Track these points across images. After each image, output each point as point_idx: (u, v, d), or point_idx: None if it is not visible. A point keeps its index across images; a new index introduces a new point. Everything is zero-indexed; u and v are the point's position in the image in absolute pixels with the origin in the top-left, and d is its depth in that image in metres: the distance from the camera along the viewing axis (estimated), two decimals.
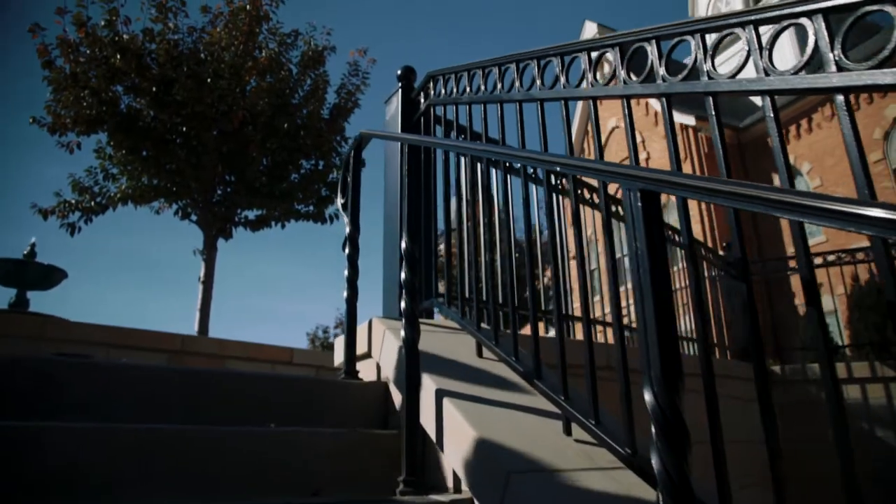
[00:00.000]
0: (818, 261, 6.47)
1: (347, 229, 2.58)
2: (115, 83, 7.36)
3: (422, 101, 3.04)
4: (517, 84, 2.23)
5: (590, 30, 27.56)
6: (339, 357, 2.79)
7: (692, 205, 19.70)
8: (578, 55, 2.09)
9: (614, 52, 1.98)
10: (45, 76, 7.16)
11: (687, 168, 22.23)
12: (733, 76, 1.52)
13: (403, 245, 1.91)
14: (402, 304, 1.91)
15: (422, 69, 3.24)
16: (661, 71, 1.72)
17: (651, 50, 1.74)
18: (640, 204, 1.13)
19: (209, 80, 7.29)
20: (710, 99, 1.56)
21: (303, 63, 8.42)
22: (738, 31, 1.52)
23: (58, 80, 7.14)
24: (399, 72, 3.23)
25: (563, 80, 2.08)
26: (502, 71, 2.34)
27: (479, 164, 2.29)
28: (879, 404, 5.60)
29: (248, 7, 7.71)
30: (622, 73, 1.88)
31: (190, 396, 1.86)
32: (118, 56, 6.92)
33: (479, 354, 2.19)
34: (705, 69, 1.61)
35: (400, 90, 3.12)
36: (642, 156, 24.57)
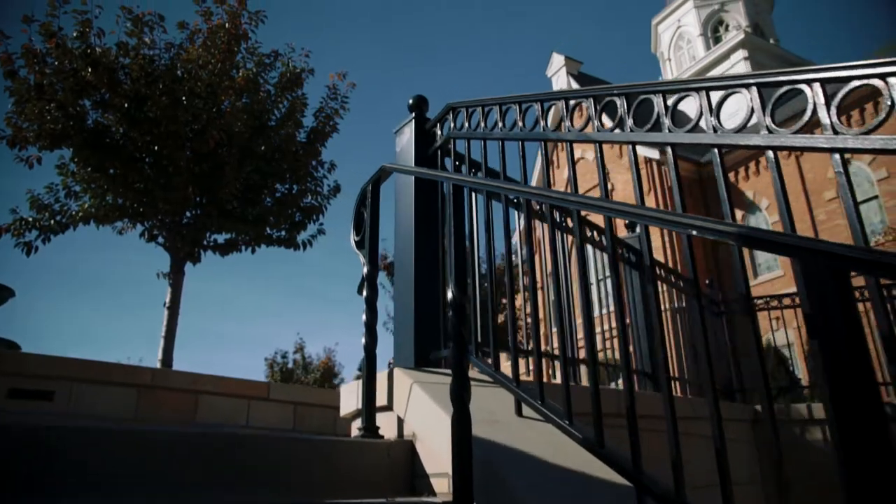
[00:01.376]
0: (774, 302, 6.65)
1: (365, 269, 2.38)
2: (84, 97, 7.01)
3: (438, 132, 2.88)
4: (566, 123, 2.09)
5: (557, 61, 28.03)
6: (347, 406, 2.57)
7: (660, 238, 19.99)
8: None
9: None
10: (7, 87, 6.78)
11: (650, 200, 22.61)
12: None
13: (451, 295, 1.73)
14: (447, 355, 1.73)
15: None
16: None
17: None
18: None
19: (184, 98, 7.01)
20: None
21: (280, 85, 8.20)
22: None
23: (20, 92, 6.76)
24: (411, 101, 3.07)
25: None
26: (545, 108, 2.21)
27: (517, 209, 2.14)
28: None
29: (227, 25, 7.48)
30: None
31: (202, 465, 1.63)
32: (89, 69, 6.59)
33: (519, 413, 2.01)
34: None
35: (413, 121, 2.95)
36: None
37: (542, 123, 2.32)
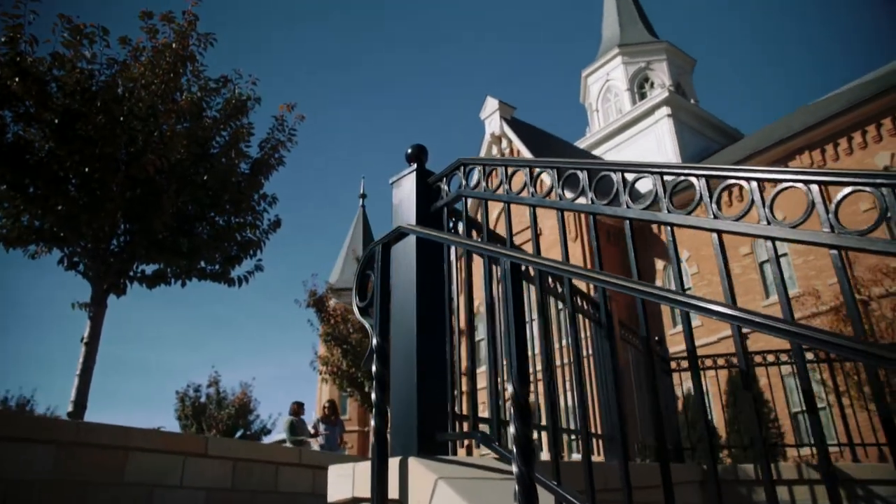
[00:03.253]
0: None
1: (374, 341, 2.11)
2: (4, 108, 6.37)
3: (444, 187, 2.66)
4: (591, 195, 1.92)
5: (491, 105, 28.52)
6: (339, 492, 2.26)
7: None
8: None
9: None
10: None
11: (576, 246, 23.04)
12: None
13: (510, 390, 1.49)
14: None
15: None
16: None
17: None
18: None
19: (122, 118, 6.49)
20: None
21: (225, 111, 7.78)
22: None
23: None
24: (409, 150, 2.85)
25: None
26: (595, 178, 2.04)
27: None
28: None
29: (174, 45, 7.05)
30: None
31: None
32: (17, 79, 5.99)
33: None
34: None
35: (415, 173, 2.71)
36: None
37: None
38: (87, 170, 6.38)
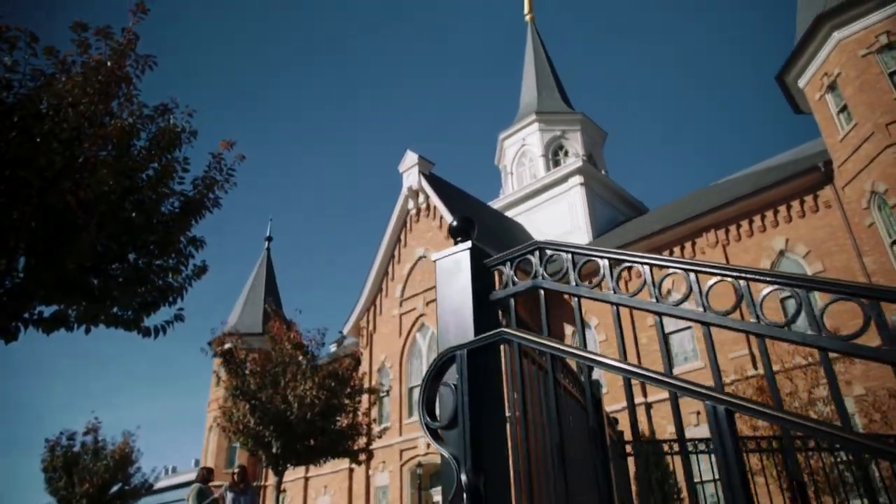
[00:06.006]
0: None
1: (463, 478, 1.60)
2: None
3: (509, 272, 2.22)
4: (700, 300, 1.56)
5: (410, 158, 28.49)
6: None
7: None
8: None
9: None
10: None
11: None
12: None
13: None
14: None
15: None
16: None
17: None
18: None
19: (38, 139, 5.63)
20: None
21: (157, 142, 7.00)
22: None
23: None
24: (455, 223, 2.41)
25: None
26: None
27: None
28: None
29: (108, 63, 6.27)
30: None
31: None
32: None
33: None
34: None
35: (469, 252, 2.25)
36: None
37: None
38: None
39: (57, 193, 5.56)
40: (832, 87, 18.95)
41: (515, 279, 2.18)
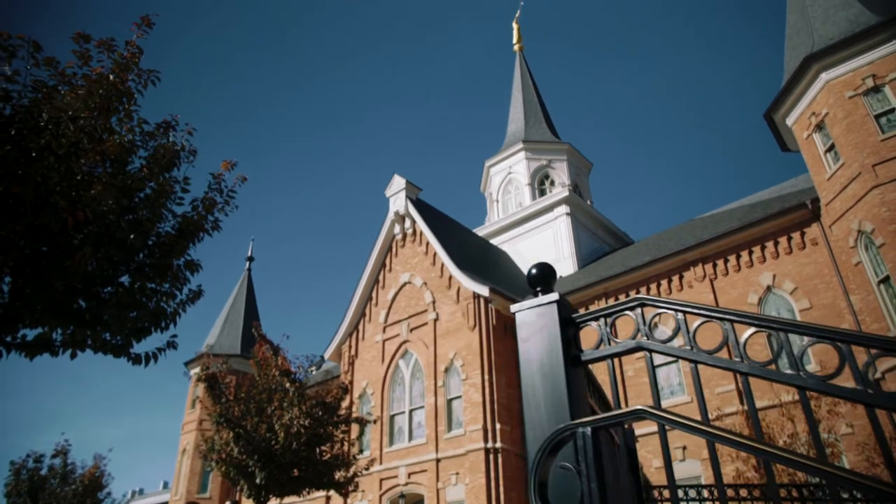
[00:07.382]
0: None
1: None
2: None
3: (596, 327, 1.98)
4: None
5: (398, 183, 28.26)
6: None
7: None
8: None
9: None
10: None
11: (475, 335, 22.65)
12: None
13: None
14: None
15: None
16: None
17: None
18: None
19: (34, 153, 5.31)
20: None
21: (156, 161, 6.69)
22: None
23: None
24: (534, 271, 2.17)
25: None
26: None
27: None
28: None
29: (111, 77, 5.99)
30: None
31: None
32: None
33: None
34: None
35: (556, 307, 2.01)
36: (431, 316, 24.69)
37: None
38: None
39: (51, 211, 5.23)
40: (820, 127, 19.19)
41: (614, 338, 1.94)
